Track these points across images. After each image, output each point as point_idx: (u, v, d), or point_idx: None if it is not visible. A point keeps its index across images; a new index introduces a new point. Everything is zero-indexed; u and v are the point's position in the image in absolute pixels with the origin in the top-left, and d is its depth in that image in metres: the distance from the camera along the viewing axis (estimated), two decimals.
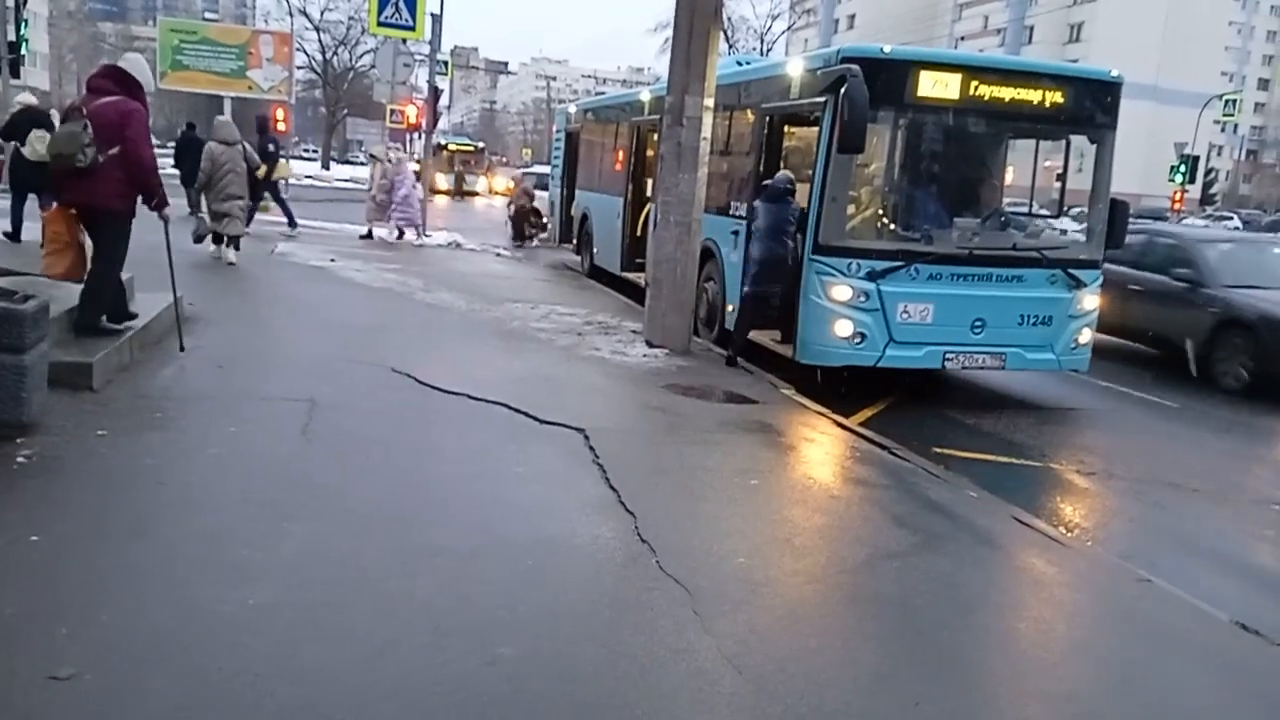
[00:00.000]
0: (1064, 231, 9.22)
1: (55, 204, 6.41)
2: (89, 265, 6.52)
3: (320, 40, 51.07)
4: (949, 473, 6.04)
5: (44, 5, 63.18)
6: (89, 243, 6.62)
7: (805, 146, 8.86)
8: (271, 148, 15.71)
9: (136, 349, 6.54)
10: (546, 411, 6.17)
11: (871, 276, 7.68)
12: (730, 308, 9.33)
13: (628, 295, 12.39)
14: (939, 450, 6.76)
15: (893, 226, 8.20)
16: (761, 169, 8.89)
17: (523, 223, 20.28)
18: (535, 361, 7.97)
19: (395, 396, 6.44)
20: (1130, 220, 8.79)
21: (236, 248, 11.96)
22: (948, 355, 7.98)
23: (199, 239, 11.67)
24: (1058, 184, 9.17)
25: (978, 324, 7.95)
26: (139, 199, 6.31)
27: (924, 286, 7.79)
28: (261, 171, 14.58)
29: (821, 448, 6.39)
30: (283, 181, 17.73)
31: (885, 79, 7.50)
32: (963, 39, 75.03)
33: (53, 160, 6.02)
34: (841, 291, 7.69)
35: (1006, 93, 7.83)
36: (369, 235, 17.01)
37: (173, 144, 20.58)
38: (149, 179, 6.25)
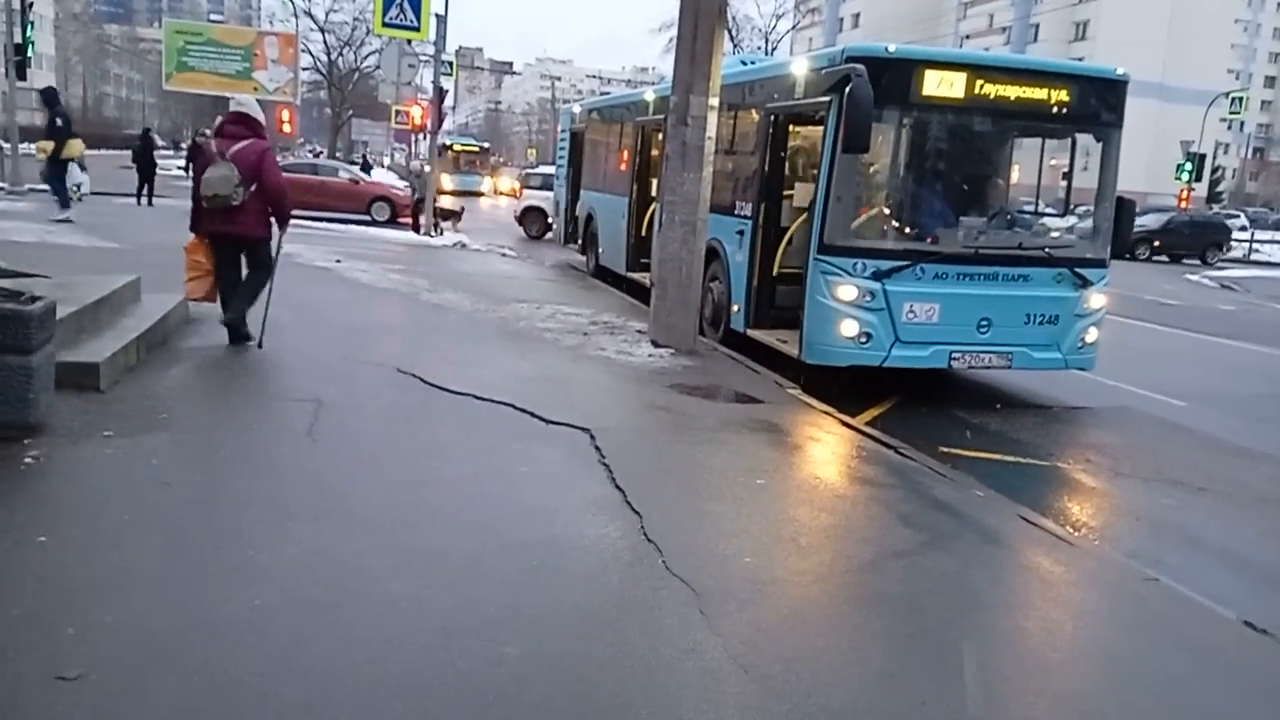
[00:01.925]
0: (1070, 230, 9.20)
1: (194, 235, 7.29)
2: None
3: (325, 41, 51.15)
4: (955, 472, 6.02)
5: (50, 7, 63.40)
6: None
7: (810, 146, 8.85)
8: (60, 122, 14.90)
9: (144, 350, 6.55)
10: (552, 411, 6.17)
11: (877, 276, 7.66)
12: (735, 307, 9.32)
13: (633, 295, 12.40)
14: (945, 449, 6.75)
15: (898, 226, 8.18)
16: (766, 169, 8.88)
17: (417, 215, 20.13)
18: (541, 361, 7.97)
19: (401, 397, 6.44)
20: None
21: None
22: (954, 355, 7.97)
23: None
24: (1063, 183, 9.15)
25: (984, 323, 7.94)
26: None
27: (930, 286, 7.78)
28: (47, 149, 14.35)
29: (827, 447, 6.38)
30: (74, 163, 16.18)
31: (890, 78, 7.48)
32: (968, 38, 74.91)
33: (211, 201, 6.96)
34: (847, 291, 7.67)
35: (1012, 91, 7.81)
36: None
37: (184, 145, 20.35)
38: (284, 204, 7.39)
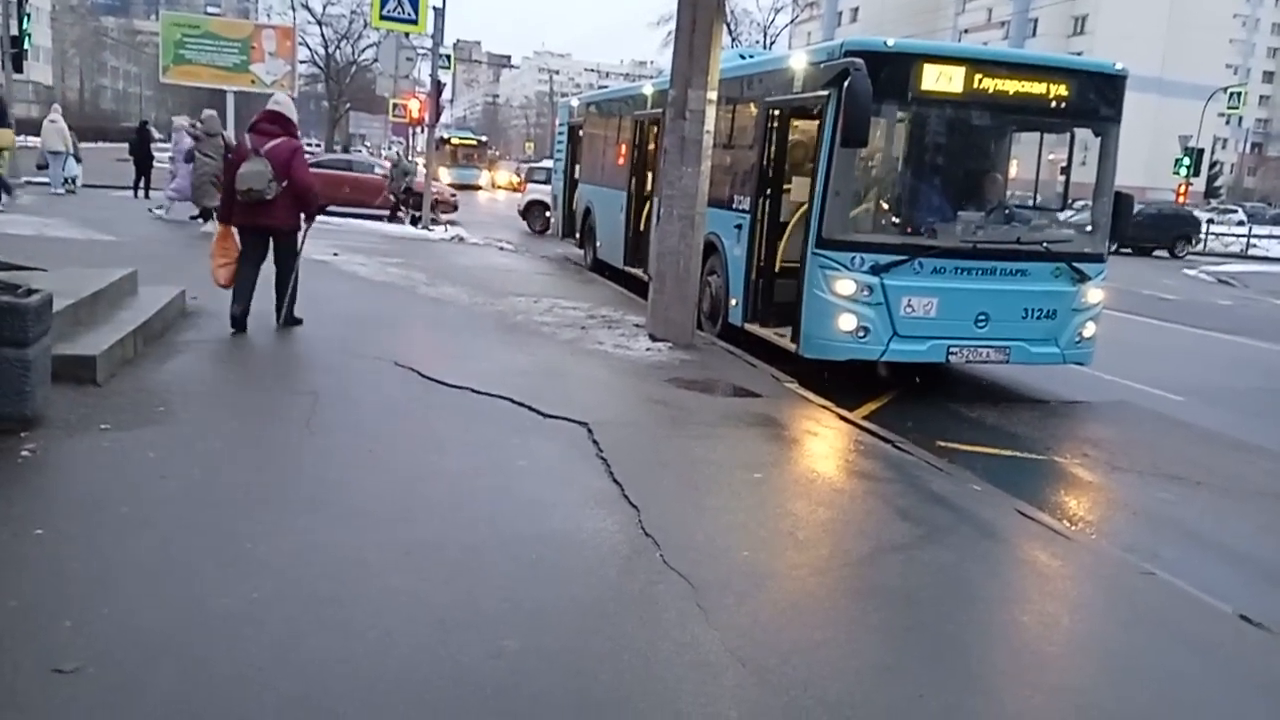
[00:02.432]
0: (1068, 225, 9.20)
1: (220, 224, 7.83)
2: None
3: (323, 34, 51.08)
4: (952, 466, 6.03)
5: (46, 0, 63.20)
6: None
7: (808, 140, 8.84)
8: None
9: (141, 343, 6.54)
10: (550, 405, 6.17)
11: (875, 270, 7.66)
12: (734, 301, 9.32)
13: (631, 289, 12.39)
14: (942, 443, 6.76)
15: (896, 220, 8.19)
16: (765, 163, 8.87)
17: (398, 206, 20.55)
18: (538, 355, 7.96)
19: (398, 390, 6.44)
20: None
21: (212, 219, 13.44)
22: (951, 349, 7.97)
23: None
24: (1062, 177, 9.14)
25: (981, 318, 7.94)
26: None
27: (928, 280, 7.78)
28: None
29: (825, 441, 6.38)
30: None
31: (889, 72, 7.48)
32: (966, 32, 74.80)
33: (246, 194, 7.33)
34: (845, 285, 7.68)
35: (1010, 86, 7.81)
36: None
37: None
38: (311, 199, 7.78)
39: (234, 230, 7.70)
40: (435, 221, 19.65)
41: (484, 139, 53.60)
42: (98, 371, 5.62)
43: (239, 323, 7.49)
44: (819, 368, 8.07)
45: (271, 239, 7.70)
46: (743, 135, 9.65)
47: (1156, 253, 31.84)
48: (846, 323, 7.72)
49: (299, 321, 7.97)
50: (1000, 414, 8.05)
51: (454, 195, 26.32)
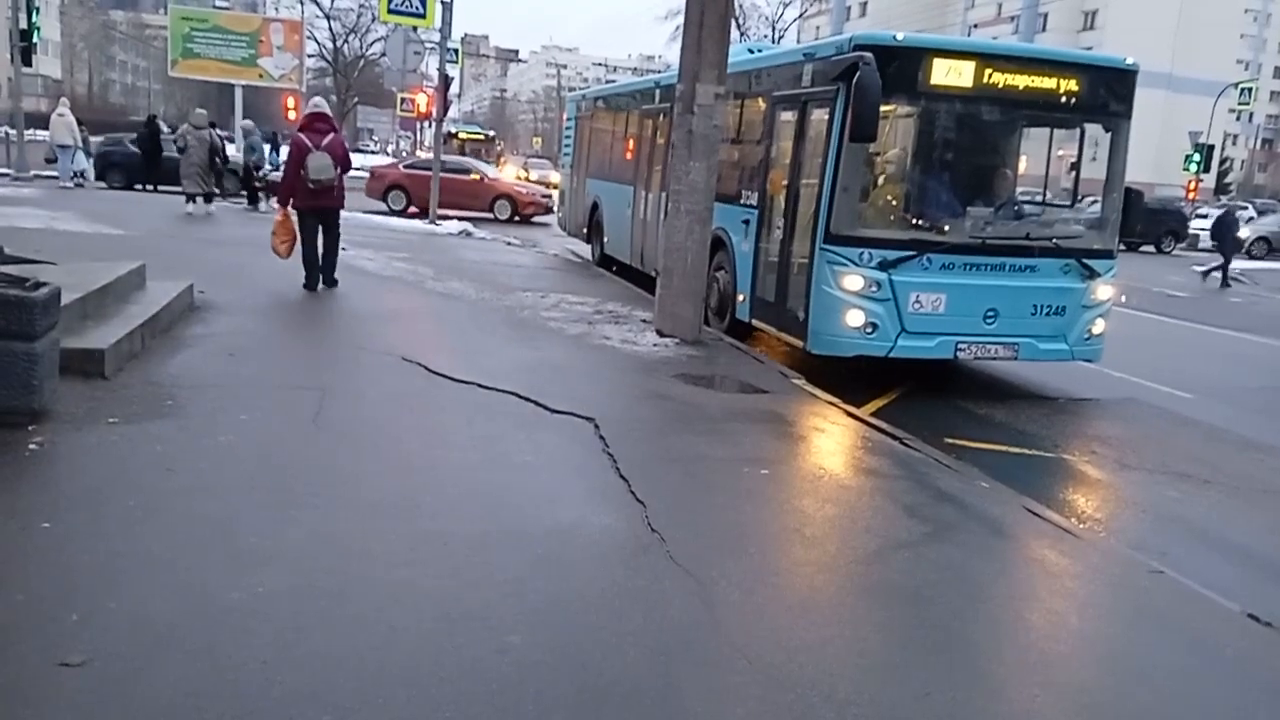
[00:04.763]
0: (1078, 221, 9.16)
1: (281, 207, 9.49)
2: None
3: (331, 28, 51.12)
4: (960, 463, 6.00)
5: None
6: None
7: (817, 135, 8.81)
8: None
9: (148, 337, 6.55)
10: (556, 400, 6.17)
11: (883, 266, 7.64)
12: (741, 297, 9.30)
13: (638, 284, 12.37)
14: (950, 440, 6.73)
15: (905, 216, 8.15)
16: (772, 157, 8.85)
17: (254, 189, 19.52)
18: (545, 350, 7.96)
19: (405, 385, 6.44)
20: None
21: (193, 201, 16.07)
22: (960, 345, 7.95)
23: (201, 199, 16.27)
24: (1071, 173, 9.10)
25: (990, 314, 7.91)
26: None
27: (936, 276, 7.75)
28: None
29: (832, 438, 6.36)
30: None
31: (898, 67, 7.45)
32: (975, 27, 74.47)
33: (317, 183, 9.08)
34: (853, 281, 7.66)
35: (1020, 81, 7.77)
36: None
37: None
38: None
39: (291, 211, 9.28)
40: (526, 222, 18.78)
41: (492, 133, 53.60)
42: (105, 365, 5.63)
43: (311, 285, 9.49)
44: (827, 363, 8.05)
45: (323, 217, 9.41)
46: (751, 130, 9.63)
47: (1143, 248, 31.54)
48: (854, 318, 7.70)
49: (336, 282, 9.72)
50: (1008, 411, 8.02)
51: (546, 196, 25.10)
